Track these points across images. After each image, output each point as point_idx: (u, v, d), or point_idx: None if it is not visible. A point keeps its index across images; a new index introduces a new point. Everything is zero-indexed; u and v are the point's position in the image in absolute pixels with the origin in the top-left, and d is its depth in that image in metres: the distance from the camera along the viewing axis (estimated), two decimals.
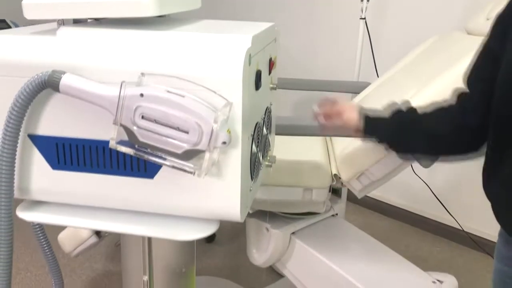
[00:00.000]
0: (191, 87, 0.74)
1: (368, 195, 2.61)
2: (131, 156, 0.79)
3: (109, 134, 0.76)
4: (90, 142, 0.81)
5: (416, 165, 1.61)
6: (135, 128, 0.73)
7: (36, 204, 0.90)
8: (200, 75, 0.74)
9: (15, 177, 0.83)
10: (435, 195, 2.19)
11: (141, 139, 0.73)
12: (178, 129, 0.72)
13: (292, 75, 2.09)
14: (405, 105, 1.02)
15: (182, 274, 1.08)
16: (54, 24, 0.90)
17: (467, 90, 0.94)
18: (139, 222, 0.86)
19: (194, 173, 0.75)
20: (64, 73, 0.75)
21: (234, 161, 0.78)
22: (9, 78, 0.80)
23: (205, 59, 0.75)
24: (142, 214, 0.87)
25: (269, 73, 0.98)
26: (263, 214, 1.60)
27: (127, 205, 0.85)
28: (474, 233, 2.24)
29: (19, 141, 0.80)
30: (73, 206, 0.88)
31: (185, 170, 0.75)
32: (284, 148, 1.53)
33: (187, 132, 0.72)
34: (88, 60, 0.78)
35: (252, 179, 0.88)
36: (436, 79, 1.30)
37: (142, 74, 0.74)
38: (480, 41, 0.92)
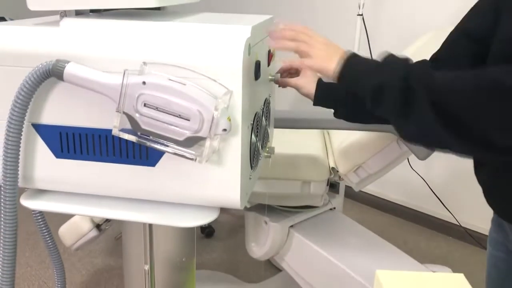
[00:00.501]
0: (192, 75, 0.75)
1: (365, 190, 2.63)
2: (133, 144, 0.81)
3: (112, 122, 0.77)
4: (93, 131, 0.82)
5: (413, 161, 1.63)
6: (137, 115, 0.74)
7: (40, 192, 0.92)
8: (201, 64, 0.76)
9: (19, 166, 0.84)
10: (432, 191, 2.21)
11: (143, 126, 0.75)
12: (179, 116, 0.73)
13: None
14: None
15: (182, 264, 1.09)
16: (56, 17, 0.92)
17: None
18: (141, 210, 0.88)
19: (195, 160, 0.76)
20: (68, 62, 0.77)
21: (234, 149, 0.79)
22: (14, 68, 0.81)
23: (205, 48, 0.77)
24: (143, 202, 0.88)
25: (268, 64, 1.00)
26: (262, 208, 1.62)
27: (129, 193, 0.87)
28: (471, 228, 2.26)
29: (23, 130, 0.82)
30: (76, 195, 0.90)
31: (186, 157, 0.77)
32: (283, 142, 1.55)
33: (188, 120, 0.73)
34: (92, 50, 0.79)
35: (251, 168, 0.89)
36: None
37: (144, 63, 0.75)
38: None
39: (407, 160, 1.67)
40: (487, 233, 1.03)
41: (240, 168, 0.80)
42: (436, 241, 2.34)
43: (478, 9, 0.91)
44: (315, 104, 1.04)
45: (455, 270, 1.64)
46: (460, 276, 0.59)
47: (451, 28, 0.95)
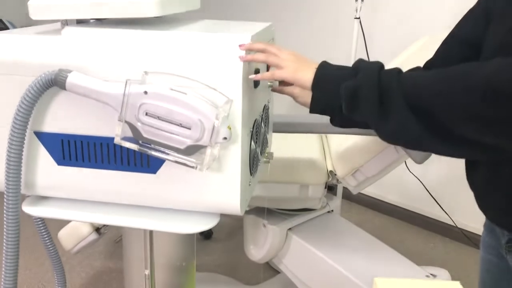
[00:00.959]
0: (193, 84, 0.77)
1: (363, 192, 2.64)
2: (134, 152, 0.82)
3: (113, 130, 0.78)
4: (94, 139, 0.83)
5: (410, 162, 1.64)
6: (139, 124, 0.76)
7: (41, 199, 0.93)
8: (201, 73, 0.77)
9: (22, 173, 0.85)
10: (429, 192, 2.22)
11: (145, 135, 0.76)
12: (180, 125, 0.74)
13: None
14: None
15: (182, 268, 1.10)
16: (57, 25, 0.93)
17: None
18: (142, 216, 0.89)
19: (196, 168, 0.78)
20: (70, 71, 0.78)
21: (234, 156, 0.81)
22: (16, 76, 0.82)
23: (206, 58, 0.78)
24: (144, 208, 0.90)
25: (267, 70, 1.01)
26: (261, 211, 1.63)
27: (130, 199, 0.88)
28: (467, 229, 2.28)
29: (25, 138, 0.83)
30: (78, 201, 0.91)
31: (187, 165, 0.78)
32: (281, 146, 1.56)
33: (189, 128, 0.74)
34: (93, 59, 0.80)
35: (251, 174, 0.91)
36: None
37: (146, 72, 0.76)
38: None
39: (404, 162, 1.68)
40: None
41: (240, 175, 0.82)
42: (433, 242, 2.36)
43: (470, 15, 0.92)
44: (311, 112, 1.05)
45: (452, 271, 1.66)
46: (456, 284, 0.60)
47: (447, 32, 0.97)
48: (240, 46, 0.78)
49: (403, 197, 2.53)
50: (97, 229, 1.57)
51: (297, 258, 1.62)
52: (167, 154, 0.77)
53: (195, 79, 0.77)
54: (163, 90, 0.74)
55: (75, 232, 1.58)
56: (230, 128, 0.77)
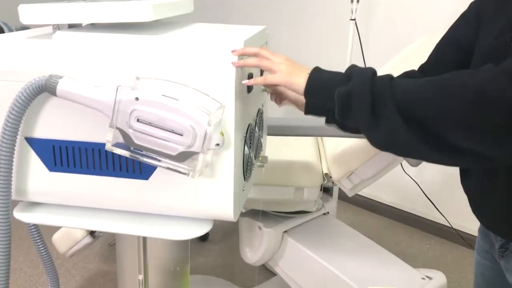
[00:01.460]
0: (185, 90, 0.76)
1: (359, 193, 2.64)
2: (126, 158, 0.81)
3: (105, 136, 0.78)
4: (86, 145, 0.83)
5: (405, 164, 1.64)
6: (130, 131, 0.75)
7: (33, 205, 0.92)
8: (194, 79, 0.77)
9: (12, 179, 0.84)
10: (424, 193, 2.22)
11: (136, 141, 0.75)
12: (172, 131, 0.74)
13: None
14: None
15: (176, 272, 1.10)
16: (49, 28, 0.92)
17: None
18: (134, 222, 0.88)
19: (188, 174, 0.77)
20: (61, 77, 0.77)
21: (227, 162, 0.80)
22: (5, 82, 0.82)
23: (198, 63, 0.77)
24: (137, 214, 0.89)
25: (261, 75, 1.00)
26: (256, 213, 1.63)
27: (122, 206, 0.87)
28: (463, 230, 2.28)
29: (16, 143, 0.82)
30: (70, 207, 0.90)
31: (179, 171, 0.77)
32: (276, 149, 1.56)
33: (181, 135, 0.74)
34: (84, 64, 0.79)
35: (245, 179, 0.90)
36: None
37: (137, 78, 0.76)
38: None
39: (400, 163, 1.68)
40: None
41: (233, 181, 0.81)
42: (428, 243, 2.36)
43: (462, 19, 0.92)
44: (306, 113, 1.04)
45: (447, 272, 1.66)
46: None
47: (443, 33, 0.97)
48: (232, 51, 0.77)
49: (398, 198, 2.53)
50: (91, 233, 1.56)
51: (292, 261, 1.62)
52: (159, 160, 0.77)
53: (187, 84, 0.76)
54: (154, 96, 0.73)
55: (69, 235, 1.57)
56: (222, 134, 0.76)
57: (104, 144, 0.79)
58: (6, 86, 0.81)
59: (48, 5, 0.82)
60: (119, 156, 0.81)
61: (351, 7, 2.13)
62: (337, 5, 2.49)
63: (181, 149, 0.74)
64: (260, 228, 1.60)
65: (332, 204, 1.83)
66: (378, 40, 2.39)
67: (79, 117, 0.81)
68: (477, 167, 0.85)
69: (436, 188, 2.32)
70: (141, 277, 1.06)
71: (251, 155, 0.96)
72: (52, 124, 0.83)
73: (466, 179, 0.92)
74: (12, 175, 0.83)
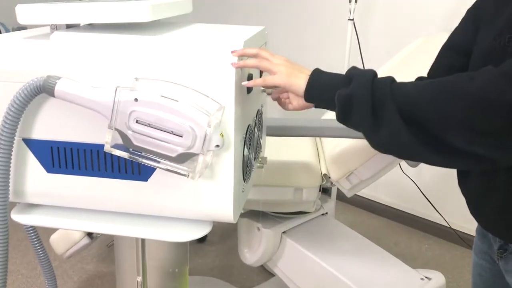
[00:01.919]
0: (184, 91, 0.75)
1: (357, 193, 2.64)
2: (125, 159, 0.80)
3: (104, 137, 0.77)
4: (84, 146, 0.82)
5: (404, 164, 1.64)
6: (129, 132, 0.74)
7: (31, 206, 0.91)
8: (193, 80, 0.76)
9: (10, 180, 0.84)
10: (423, 194, 2.22)
11: (135, 143, 0.75)
12: (172, 133, 0.73)
13: None
14: None
15: (175, 274, 1.09)
16: (46, 28, 0.91)
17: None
18: (133, 224, 0.88)
19: (188, 176, 0.76)
20: (59, 78, 0.76)
21: (227, 164, 0.79)
22: (3, 83, 0.81)
23: (198, 64, 0.77)
24: (136, 215, 0.88)
25: (260, 76, 1.00)
26: (255, 214, 1.62)
27: (121, 207, 0.87)
28: (462, 231, 2.28)
29: (13, 145, 0.81)
30: (68, 209, 0.89)
31: (179, 173, 0.76)
32: (275, 149, 1.55)
33: (181, 136, 0.73)
34: (83, 64, 0.79)
35: (244, 180, 0.90)
36: None
37: (136, 78, 0.75)
38: None
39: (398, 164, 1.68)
40: None
41: (232, 182, 0.80)
42: (427, 243, 2.36)
43: (462, 22, 0.92)
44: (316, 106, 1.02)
45: (446, 272, 1.66)
46: None
47: (441, 34, 0.96)
48: (232, 52, 0.77)
49: (397, 198, 2.53)
50: (89, 234, 1.56)
51: (291, 262, 1.62)
52: (158, 162, 0.76)
53: (186, 85, 0.76)
54: (153, 97, 0.73)
55: (67, 236, 1.56)
56: (222, 135, 0.75)
57: (102, 145, 0.78)
58: (3, 87, 0.81)
59: (46, 5, 0.81)
60: (118, 157, 0.81)
61: (349, 7, 2.12)
62: (335, 5, 2.48)
63: (180, 150, 0.74)
64: (258, 229, 1.60)
65: (331, 204, 1.82)
66: (376, 40, 2.38)
67: (77, 118, 0.80)
68: (477, 168, 0.85)
69: (434, 189, 2.32)
70: (139, 278, 1.05)
71: (251, 156, 0.95)
72: (50, 125, 0.82)
73: (464, 180, 0.92)
74: (10, 176, 0.83)
